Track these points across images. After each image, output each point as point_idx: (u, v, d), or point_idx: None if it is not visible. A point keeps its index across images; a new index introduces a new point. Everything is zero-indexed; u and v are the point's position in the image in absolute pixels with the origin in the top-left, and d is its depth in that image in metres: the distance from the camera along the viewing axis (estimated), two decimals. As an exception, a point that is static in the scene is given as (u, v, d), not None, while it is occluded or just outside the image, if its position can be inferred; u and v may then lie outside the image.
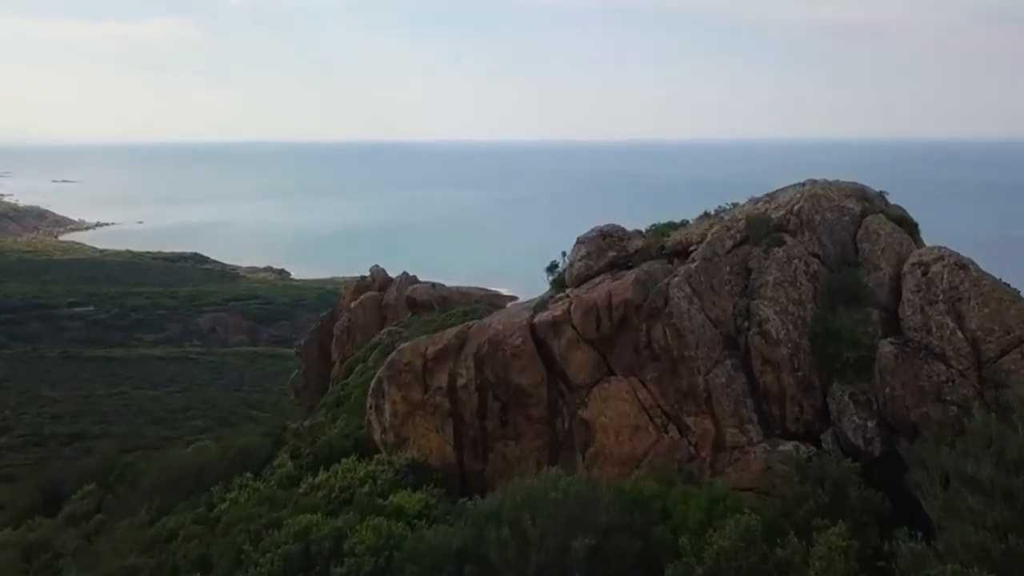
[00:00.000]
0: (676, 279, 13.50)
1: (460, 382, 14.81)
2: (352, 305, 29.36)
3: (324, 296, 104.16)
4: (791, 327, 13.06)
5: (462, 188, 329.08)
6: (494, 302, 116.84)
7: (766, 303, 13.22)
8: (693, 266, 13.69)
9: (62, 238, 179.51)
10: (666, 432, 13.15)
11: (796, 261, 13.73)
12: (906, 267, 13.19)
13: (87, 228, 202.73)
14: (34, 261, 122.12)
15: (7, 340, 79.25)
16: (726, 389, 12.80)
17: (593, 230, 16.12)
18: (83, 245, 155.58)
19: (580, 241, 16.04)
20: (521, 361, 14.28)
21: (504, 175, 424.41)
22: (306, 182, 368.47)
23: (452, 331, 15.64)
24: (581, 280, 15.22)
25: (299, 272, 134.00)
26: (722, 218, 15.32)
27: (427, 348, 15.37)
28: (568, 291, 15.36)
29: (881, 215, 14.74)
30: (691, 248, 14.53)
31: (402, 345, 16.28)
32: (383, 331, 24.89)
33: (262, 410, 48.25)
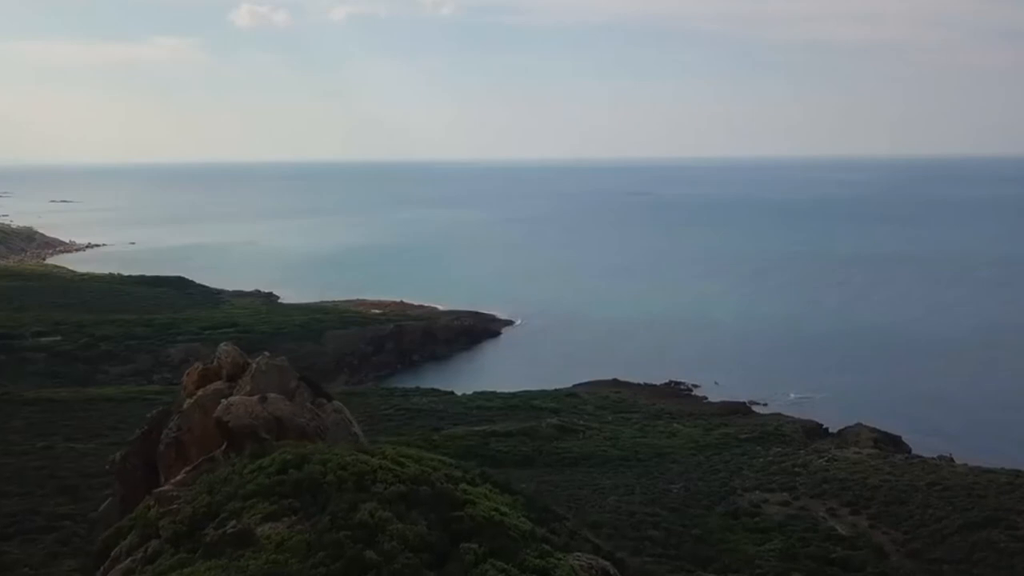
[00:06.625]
0: None
1: None
2: (186, 405, 18.45)
3: (308, 324, 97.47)
4: None
5: (463, 207, 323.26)
6: (489, 327, 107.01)
7: None
8: None
9: (49, 260, 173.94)
10: None
11: None
12: None
13: (77, 250, 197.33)
14: (7, 286, 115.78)
15: (-43, 376, 72.96)
16: None
17: None
18: (64, 268, 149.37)
19: None
20: None
21: (506, 194, 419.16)
22: (308, 202, 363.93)
23: None
24: None
25: (287, 296, 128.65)
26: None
27: None
28: None
29: None
30: None
31: None
32: (153, 495, 15.20)
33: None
